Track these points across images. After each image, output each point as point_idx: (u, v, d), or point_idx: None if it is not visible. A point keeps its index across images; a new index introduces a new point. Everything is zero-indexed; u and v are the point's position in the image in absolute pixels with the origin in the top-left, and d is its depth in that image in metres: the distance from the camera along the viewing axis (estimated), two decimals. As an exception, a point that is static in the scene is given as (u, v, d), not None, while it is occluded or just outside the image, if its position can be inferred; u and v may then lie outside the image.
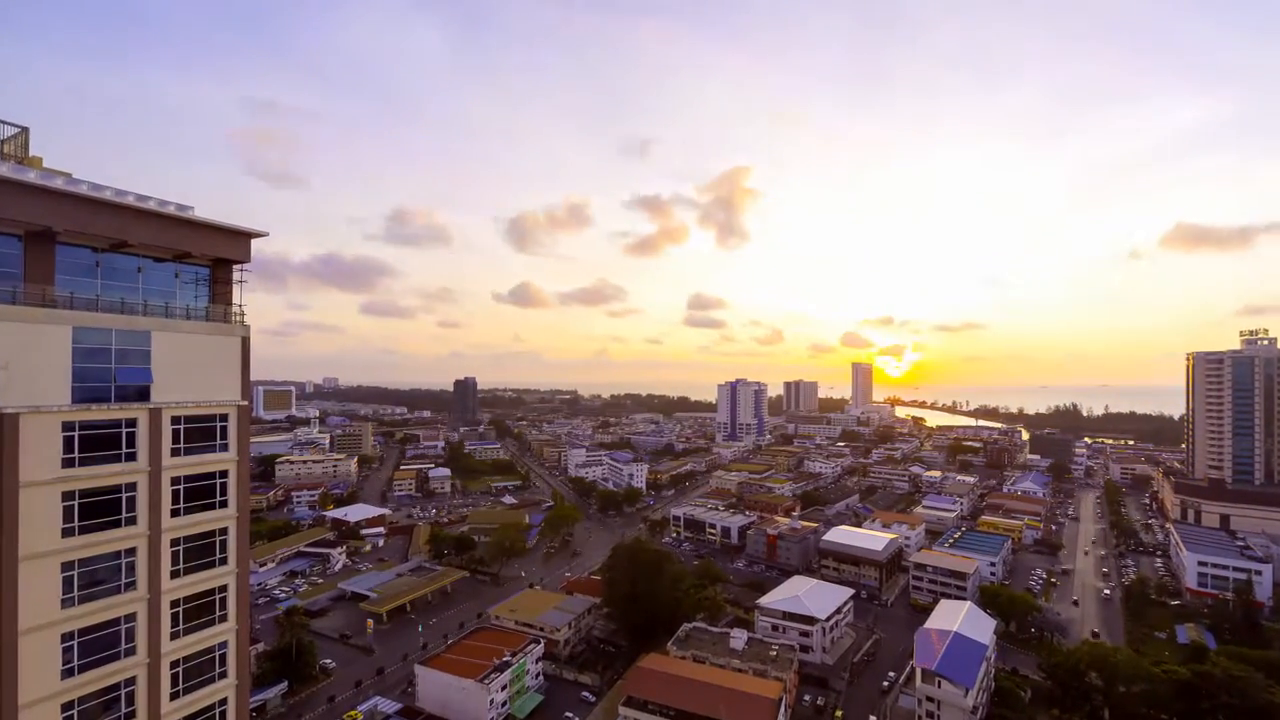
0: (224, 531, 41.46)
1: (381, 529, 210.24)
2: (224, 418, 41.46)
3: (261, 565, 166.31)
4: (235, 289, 44.29)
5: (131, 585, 36.70)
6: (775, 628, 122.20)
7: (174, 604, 38.67)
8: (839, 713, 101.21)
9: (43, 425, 33.28)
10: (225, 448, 41.53)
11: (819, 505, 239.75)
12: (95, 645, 35.12)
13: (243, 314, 43.53)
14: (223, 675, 41.40)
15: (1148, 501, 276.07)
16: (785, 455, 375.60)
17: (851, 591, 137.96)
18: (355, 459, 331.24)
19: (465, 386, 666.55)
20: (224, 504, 41.35)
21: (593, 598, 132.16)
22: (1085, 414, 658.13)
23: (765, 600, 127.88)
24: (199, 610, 40.07)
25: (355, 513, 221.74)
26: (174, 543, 38.62)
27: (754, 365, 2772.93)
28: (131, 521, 36.66)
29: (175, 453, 38.64)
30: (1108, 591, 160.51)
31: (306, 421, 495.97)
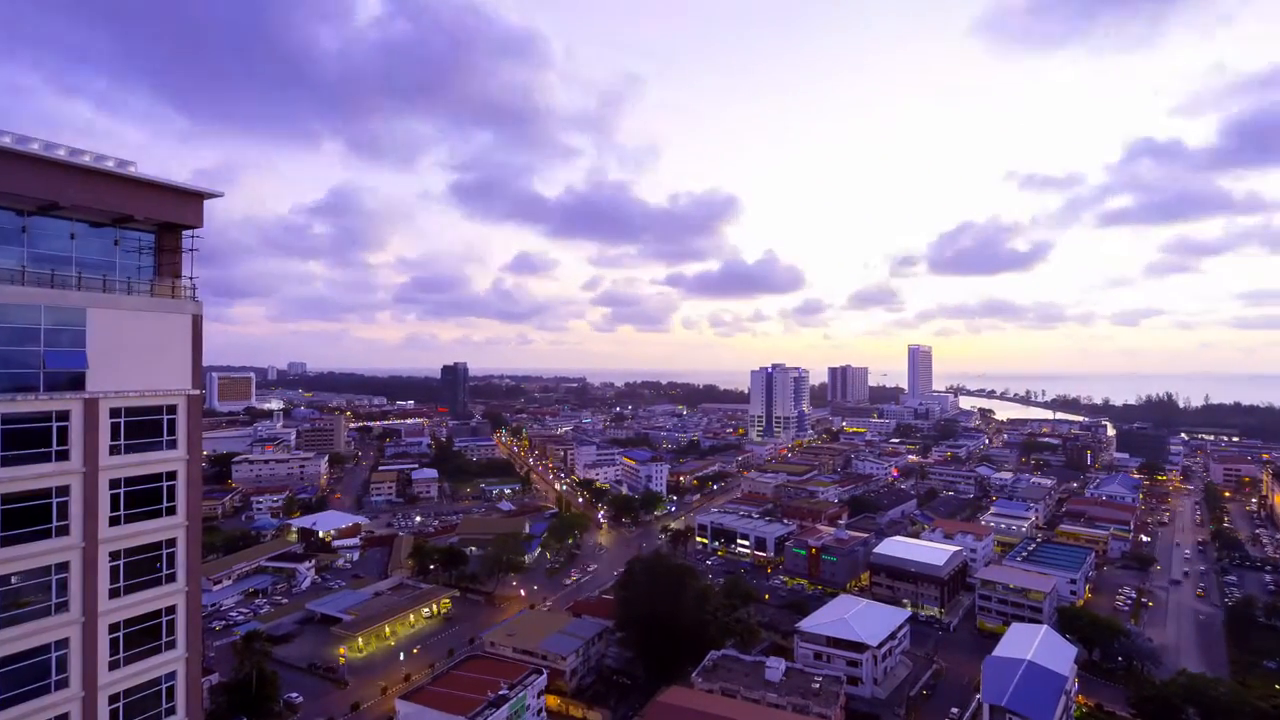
0: (172, 543, 41.20)
1: (357, 540, 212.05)
2: (172, 409, 41.16)
3: (216, 583, 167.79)
4: (185, 258, 43.86)
5: (63, 606, 36.43)
6: (818, 656, 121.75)
7: (113, 628, 38.42)
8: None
9: (-43, 419, 32.91)
10: (173, 444, 41.25)
11: (869, 512, 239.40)
12: (20, 676, 34.90)
13: (194, 287, 43.07)
14: (170, 712, 41.28)
15: (1255, 508, 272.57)
16: (830, 454, 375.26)
17: (908, 613, 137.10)
18: (326, 458, 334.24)
19: (455, 373, 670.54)
20: (172, 511, 41.05)
21: (604, 620, 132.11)
22: (1182, 405, 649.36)
23: (806, 624, 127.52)
24: (142, 635, 39.84)
25: (326, 521, 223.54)
26: (113, 556, 38.31)
27: (793, 348, 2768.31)
28: (63, 531, 36.34)
29: (115, 450, 38.35)
30: (1208, 613, 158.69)
31: (269, 414, 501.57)
